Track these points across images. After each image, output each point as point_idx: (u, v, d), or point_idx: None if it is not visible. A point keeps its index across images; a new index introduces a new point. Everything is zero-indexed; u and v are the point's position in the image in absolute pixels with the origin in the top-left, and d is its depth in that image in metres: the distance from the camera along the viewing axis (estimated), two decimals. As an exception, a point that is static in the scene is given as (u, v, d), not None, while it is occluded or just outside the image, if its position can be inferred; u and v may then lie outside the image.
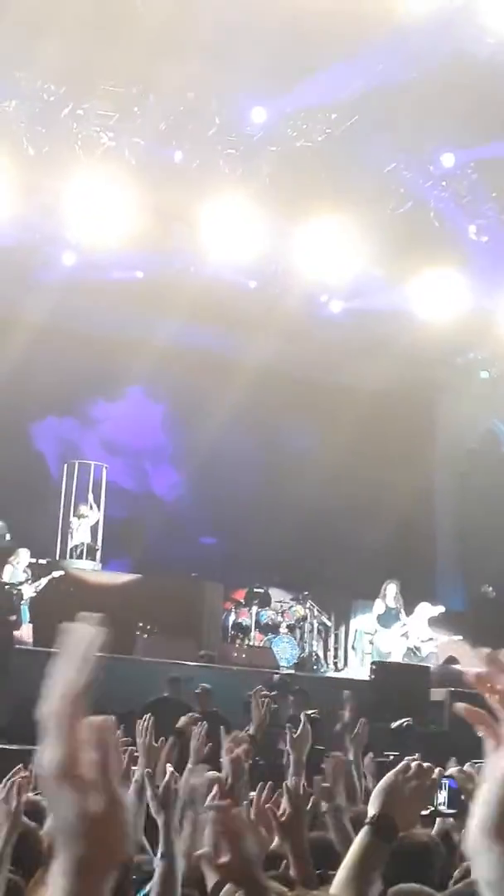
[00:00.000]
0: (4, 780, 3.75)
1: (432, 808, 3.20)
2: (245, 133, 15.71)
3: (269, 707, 6.04)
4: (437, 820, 4.20)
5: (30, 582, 14.32)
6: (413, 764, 2.45)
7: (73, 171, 15.25)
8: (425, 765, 2.47)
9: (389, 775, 2.44)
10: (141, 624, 13.90)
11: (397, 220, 16.68)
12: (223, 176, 15.81)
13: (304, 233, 16.43)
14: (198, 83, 14.57)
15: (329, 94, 14.74)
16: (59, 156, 15.15)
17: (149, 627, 13.92)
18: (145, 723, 5.09)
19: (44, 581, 14.34)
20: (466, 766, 4.52)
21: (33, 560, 14.77)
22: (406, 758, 2.52)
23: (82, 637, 1.21)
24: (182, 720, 6.81)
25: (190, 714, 7.47)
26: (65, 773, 1.14)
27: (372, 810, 2.43)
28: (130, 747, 4.95)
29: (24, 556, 14.59)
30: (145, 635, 13.81)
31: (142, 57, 13.76)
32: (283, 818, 3.32)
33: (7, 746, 9.58)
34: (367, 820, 2.42)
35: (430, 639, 15.58)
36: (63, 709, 1.16)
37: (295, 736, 4.62)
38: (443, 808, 3.30)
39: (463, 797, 3.27)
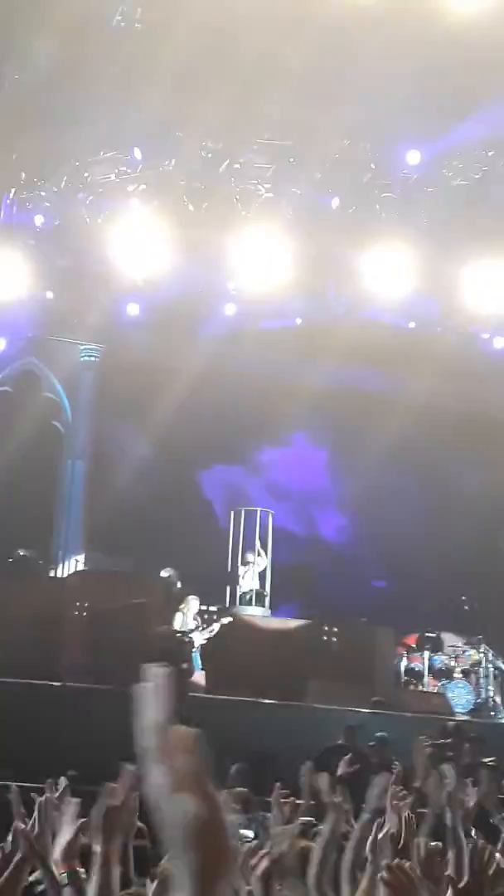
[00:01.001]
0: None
1: None
2: (401, 176, 15.72)
3: (434, 757, 5.90)
4: None
5: (200, 629, 14.47)
6: None
7: (233, 224, 15.58)
8: None
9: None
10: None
11: None
12: (380, 220, 15.85)
13: (465, 271, 16.28)
14: (351, 129, 14.69)
15: (484, 131, 14.62)
16: (218, 210, 15.51)
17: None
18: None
19: (215, 628, 14.45)
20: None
21: (203, 607, 14.93)
22: None
23: (156, 678, 1.41)
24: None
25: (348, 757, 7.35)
26: (170, 790, 1.29)
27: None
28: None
29: (193, 604, 14.76)
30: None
31: (295, 107, 13.99)
32: (463, 886, 2.94)
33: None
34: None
35: None
36: (155, 740, 1.35)
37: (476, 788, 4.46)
38: None
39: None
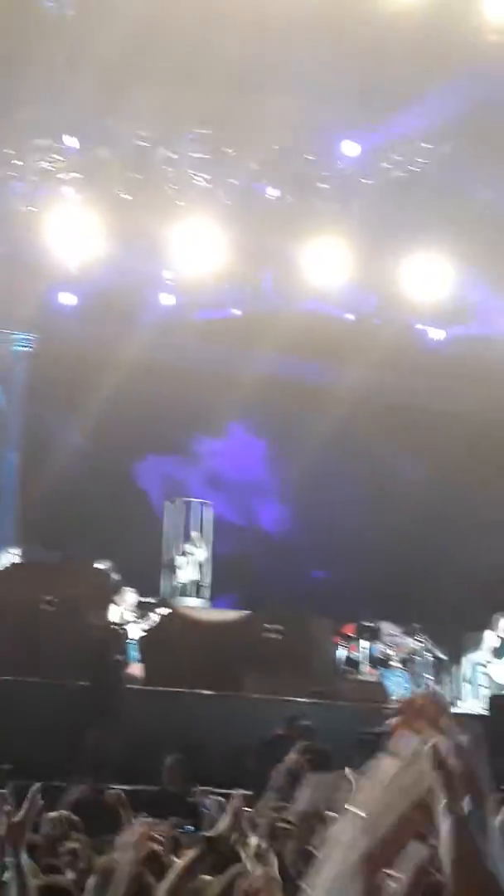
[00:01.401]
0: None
1: None
2: (338, 167, 15.74)
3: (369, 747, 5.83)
4: None
5: (137, 621, 14.39)
6: None
7: (169, 213, 15.47)
8: None
9: None
10: None
11: (496, 246, 16.48)
12: (318, 211, 15.86)
13: (402, 262, 16.37)
14: (289, 120, 14.66)
15: (422, 123, 14.69)
16: (154, 200, 15.38)
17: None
18: None
19: (151, 619, 14.39)
20: None
21: (140, 599, 14.85)
22: None
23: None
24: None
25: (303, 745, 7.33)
26: (367, 873, 1.16)
27: None
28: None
29: (130, 596, 14.68)
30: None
31: (231, 97, 13.92)
32: None
33: (118, 787, 9.57)
34: None
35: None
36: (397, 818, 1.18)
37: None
38: None
39: None
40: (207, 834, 3.86)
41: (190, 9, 12.61)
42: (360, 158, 15.61)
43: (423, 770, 1.15)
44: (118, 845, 3.54)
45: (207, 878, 3.61)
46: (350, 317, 17.96)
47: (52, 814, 6.26)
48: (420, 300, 16.86)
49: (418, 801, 1.13)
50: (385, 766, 1.15)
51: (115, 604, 14.45)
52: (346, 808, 1.13)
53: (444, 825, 1.21)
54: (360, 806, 1.12)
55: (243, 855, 3.39)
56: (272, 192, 15.80)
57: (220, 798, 5.40)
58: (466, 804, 1.21)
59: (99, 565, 15.28)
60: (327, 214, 15.90)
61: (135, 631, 14.21)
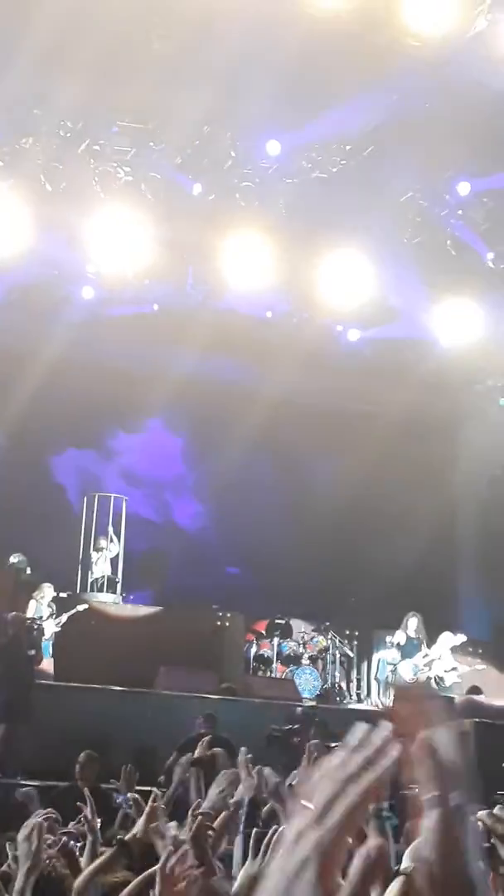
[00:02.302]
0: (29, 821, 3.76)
1: None
2: (261, 166, 15.81)
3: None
4: None
5: (53, 617, 14.31)
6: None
7: (91, 206, 15.38)
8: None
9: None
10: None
11: (414, 249, 16.73)
12: (239, 208, 15.91)
13: (321, 263, 16.50)
14: (212, 117, 14.69)
15: (343, 125, 14.83)
16: (76, 192, 15.28)
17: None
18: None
19: (65, 616, 14.33)
20: (497, 809, 4.42)
21: (56, 595, 14.77)
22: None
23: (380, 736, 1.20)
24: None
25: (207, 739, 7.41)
26: (320, 863, 1.12)
27: (407, 862, 2.37)
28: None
29: (48, 592, 14.60)
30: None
31: (156, 92, 13.91)
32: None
33: (29, 782, 9.52)
34: (402, 870, 2.36)
35: (454, 668, 15.46)
36: (348, 797, 1.15)
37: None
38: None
39: (492, 841, 3.16)
40: (122, 837, 3.91)
41: (117, 2, 12.56)
42: (281, 157, 15.70)
43: (371, 757, 1.17)
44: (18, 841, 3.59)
45: (123, 875, 3.65)
46: (269, 315, 18.05)
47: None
48: (339, 301, 17.02)
49: (366, 789, 1.15)
50: (332, 757, 1.19)
51: (34, 599, 14.35)
52: (297, 803, 1.16)
53: (431, 817, 1.23)
54: (308, 799, 1.15)
55: (160, 846, 3.43)
56: (194, 187, 15.81)
57: (136, 795, 5.41)
58: (453, 798, 1.24)
59: (13, 559, 15.16)
60: (249, 212, 15.96)
61: (50, 626, 14.14)
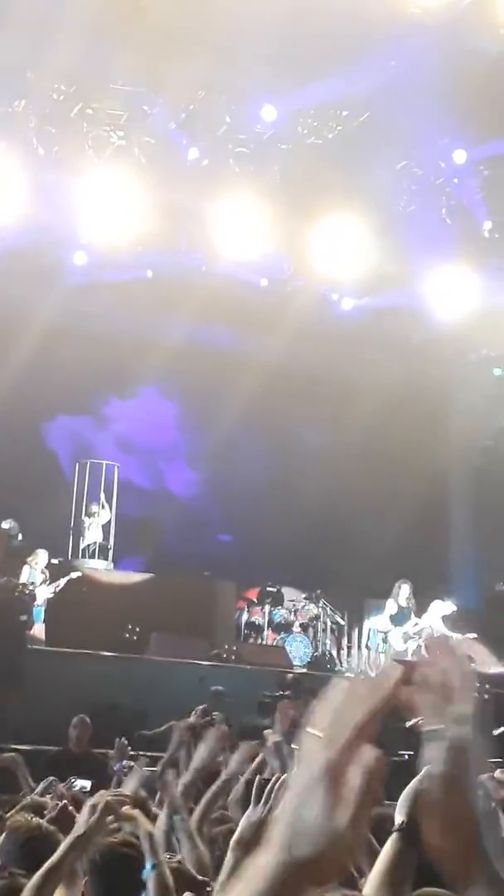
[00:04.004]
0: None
1: None
2: (255, 131, 15.69)
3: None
4: None
5: (47, 583, 14.29)
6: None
7: (84, 170, 15.25)
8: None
9: (417, 780, 2.33)
10: (130, 626, 13.85)
11: (409, 217, 16.64)
12: (234, 174, 15.80)
13: (316, 230, 16.41)
14: (207, 81, 14.57)
15: (339, 91, 14.71)
16: (69, 155, 15.15)
17: (136, 629, 13.85)
18: None
19: (62, 582, 14.29)
20: (498, 773, 4.45)
21: (49, 561, 14.75)
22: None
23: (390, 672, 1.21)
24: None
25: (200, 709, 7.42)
26: (330, 780, 1.13)
27: (399, 817, 2.37)
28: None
29: (42, 557, 14.53)
30: (134, 637, 13.74)
31: (151, 56, 13.75)
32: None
33: (20, 747, 9.56)
34: (396, 827, 2.36)
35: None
36: (353, 728, 1.15)
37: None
38: None
39: (493, 804, 3.16)
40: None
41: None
42: (277, 123, 15.58)
43: (380, 682, 1.18)
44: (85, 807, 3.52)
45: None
46: (264, 283, 17.97)
47: None
48: (333, 269, 16.94)
49: (372, 710, 1.16)
50: (338, 686, 1.20)
51: (28, 565, 14.32)
52: (306, 733, 1.17)
53: (439, 748, 1.23)
54: (316, 727, 1.16)
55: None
56: (190, 152, 15.68)
57: (131, 762, 5.44)
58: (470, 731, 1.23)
59: (4, 525, 15.14)
60: (243, 178, 15.85)
61: (42, 592, 14.14)
